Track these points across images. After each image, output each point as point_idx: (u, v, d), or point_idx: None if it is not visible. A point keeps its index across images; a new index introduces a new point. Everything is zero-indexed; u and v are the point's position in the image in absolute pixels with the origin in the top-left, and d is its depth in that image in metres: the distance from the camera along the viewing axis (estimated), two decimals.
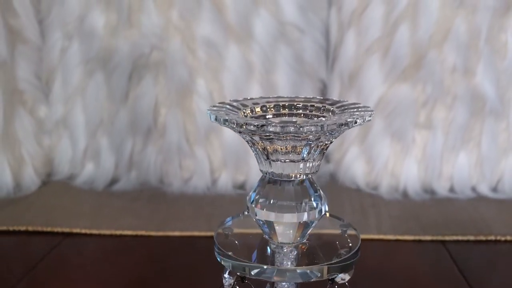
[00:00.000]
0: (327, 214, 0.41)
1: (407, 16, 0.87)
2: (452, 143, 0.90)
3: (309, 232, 0.37)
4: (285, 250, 0.38)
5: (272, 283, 0.39)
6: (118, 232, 0.74)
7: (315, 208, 0.36)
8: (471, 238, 0.73)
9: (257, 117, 0.38)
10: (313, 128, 0.32)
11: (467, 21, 0.86)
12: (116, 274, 0.63)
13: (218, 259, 0.37)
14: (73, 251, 0.71)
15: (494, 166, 0.90)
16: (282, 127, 0.32)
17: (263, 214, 0.36)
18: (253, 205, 0.36)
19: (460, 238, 0.73)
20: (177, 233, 0.74)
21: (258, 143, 0.35)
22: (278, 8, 0.88)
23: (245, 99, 0.39)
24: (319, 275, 0.35)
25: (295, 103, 0.39)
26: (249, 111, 0.38)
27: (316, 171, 0.37)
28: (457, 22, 0.86)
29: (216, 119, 0.34)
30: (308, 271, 0.35)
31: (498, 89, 0.87)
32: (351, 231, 0.41)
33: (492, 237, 0.73)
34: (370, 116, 0.34)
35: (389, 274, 0.63)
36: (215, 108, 0.37)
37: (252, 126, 0.32)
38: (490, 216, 0.80)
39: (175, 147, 0.91)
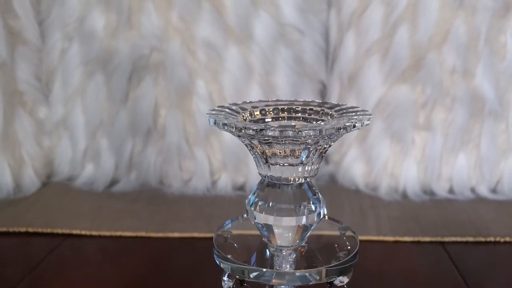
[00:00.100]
0: (326, 217, 0.42)
1: (407, 17, 0.87)
2: (452, 144, 0.90)
3: (308, 235, 0.38)
4: (284, 253, 0.38)
5: (271, 286, 0.39)
6: (118, 233, 0.75)
7: (313, 211, 0.36)
8: (470, 239, 0.73)
9: (256, 121, 0.38)
10: (311, 132, 0.32)
11: (467, 22, 0.86)
12: (116, 275, 0.64)
13: (217, 262, 0.38)
14: (73, 252, 0.71)
15: (493, 167, 0.90)
16: (280, 131, 0.32)
17: (262, 217, 0.36)
18: (252, 208, 0.37)
19: (459, 239, 0.73)
20: (177, 234, 0.74)
21: (257, 147, 0.35)
22: (278, 9, 0.88)
23: (244, 102, 0.40)
24: (318, 278, 0.36)
25: (294, 107, 0.39)
26: (248, 115, 0.38)
27: (315, 174, 0.37)
28: (456, 23, 0.86)
29: (215, 123, 0.34)
30: (307, 274, 0.35)
31: (498, 90, 0.87)
32: (349, 234, 0.41)
33: (491, 238, 0.73)
34: (368, 120, 0.35)
35: (388, 275, 0.64)
36: (214, 112, 0.37)
37: (251, 130, 0.32)
38: (489, 217, 0.80)
39: (175, 148, 0.91)
